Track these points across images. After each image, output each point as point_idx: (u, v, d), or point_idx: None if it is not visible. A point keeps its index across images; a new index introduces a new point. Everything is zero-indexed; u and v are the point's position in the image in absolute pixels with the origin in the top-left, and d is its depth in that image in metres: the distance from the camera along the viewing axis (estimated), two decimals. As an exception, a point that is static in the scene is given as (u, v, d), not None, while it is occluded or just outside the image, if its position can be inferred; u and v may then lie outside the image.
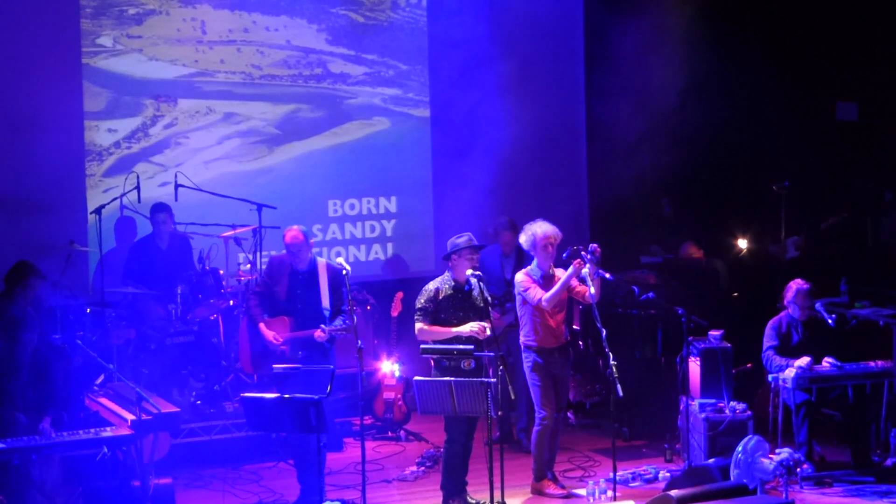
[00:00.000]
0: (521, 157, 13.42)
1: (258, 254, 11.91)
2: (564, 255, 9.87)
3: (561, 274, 9.91)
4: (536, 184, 13.80)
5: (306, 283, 9.85)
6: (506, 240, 11.36)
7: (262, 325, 9.86)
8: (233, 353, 11.73)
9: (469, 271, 9.51)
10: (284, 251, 9.94)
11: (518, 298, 10.05)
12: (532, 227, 9.99)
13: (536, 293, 9.85)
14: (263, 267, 11.10)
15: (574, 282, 9.89)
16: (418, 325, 9.64)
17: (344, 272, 9.44)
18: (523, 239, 10.02)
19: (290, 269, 9.87)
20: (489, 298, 9.66)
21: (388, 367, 11.82)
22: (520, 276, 10.05)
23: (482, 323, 9.53)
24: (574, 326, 11.75)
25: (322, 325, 9.74)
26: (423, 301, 9.67)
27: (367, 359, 11.22)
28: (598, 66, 13.96)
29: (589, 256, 9.68)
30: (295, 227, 9.96)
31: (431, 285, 9.73)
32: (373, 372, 11.85)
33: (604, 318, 9.51)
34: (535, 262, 10.01)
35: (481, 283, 9.58)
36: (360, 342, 9.13)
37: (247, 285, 11.86)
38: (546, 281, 9.93)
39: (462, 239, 9.75)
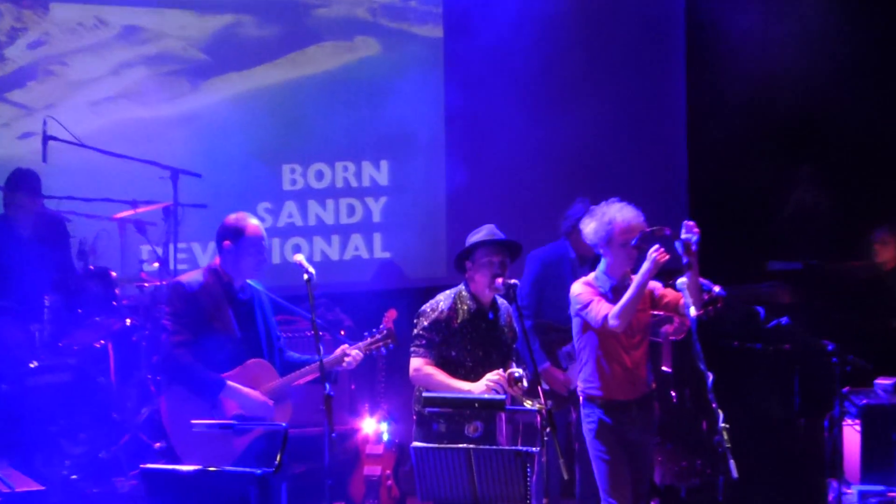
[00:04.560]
0: (586, 110, 12.88)
1: (172, 247, 11.31)
2: (633, 241, 9.28)
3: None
4: (609, 153, 13.15)
5: (255, 304, 9.07)
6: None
7: (231, 384, 9.00)
8: (129, 403, 11.13)
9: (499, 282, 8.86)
10: (200, 270, 9.23)
11: (575, 323, 9.40)
12: (606, 210, 9.32)
13: (601, 309, 9.27)
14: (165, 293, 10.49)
15: (662, 289, 9.32)
16: (415, 362, 9.04)
17: (305, 277, 8.73)
18: (590, 228, 9.38)
19: (225, 291, 9.10)
20: (519, 330, 8.97)
21: (372, 427, 11.38)
22: (577, 288, 9.30)
23: (499, 373, 8.91)
24: (662, 368, 11.25)
25: (345, 345, 9.21)
26: (426, 324, 9.06)
27: (339, 412, 10.89)
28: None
29: (681, 244, 9.07)
30: (252, 217, 9.04)
31: (442, 302, 9.08)
32: (348, 433, 11.42)
33: (710, 356, 8.94)
34: (602, 266, 9.43)
35: (510, 305, 8.91)
36: (327, 386, 8.60)
37: (153, 297, 11.28)
38: (617, 294, 9.28)
39: (479, 235, 9.09)
